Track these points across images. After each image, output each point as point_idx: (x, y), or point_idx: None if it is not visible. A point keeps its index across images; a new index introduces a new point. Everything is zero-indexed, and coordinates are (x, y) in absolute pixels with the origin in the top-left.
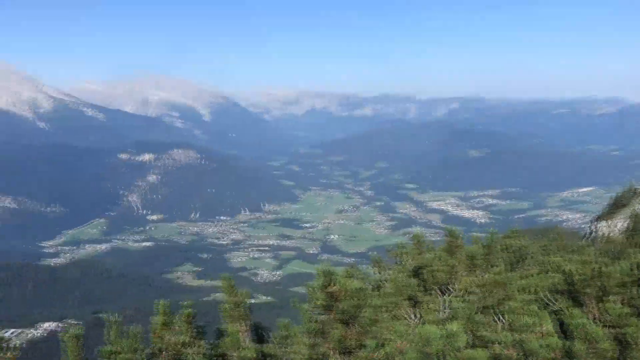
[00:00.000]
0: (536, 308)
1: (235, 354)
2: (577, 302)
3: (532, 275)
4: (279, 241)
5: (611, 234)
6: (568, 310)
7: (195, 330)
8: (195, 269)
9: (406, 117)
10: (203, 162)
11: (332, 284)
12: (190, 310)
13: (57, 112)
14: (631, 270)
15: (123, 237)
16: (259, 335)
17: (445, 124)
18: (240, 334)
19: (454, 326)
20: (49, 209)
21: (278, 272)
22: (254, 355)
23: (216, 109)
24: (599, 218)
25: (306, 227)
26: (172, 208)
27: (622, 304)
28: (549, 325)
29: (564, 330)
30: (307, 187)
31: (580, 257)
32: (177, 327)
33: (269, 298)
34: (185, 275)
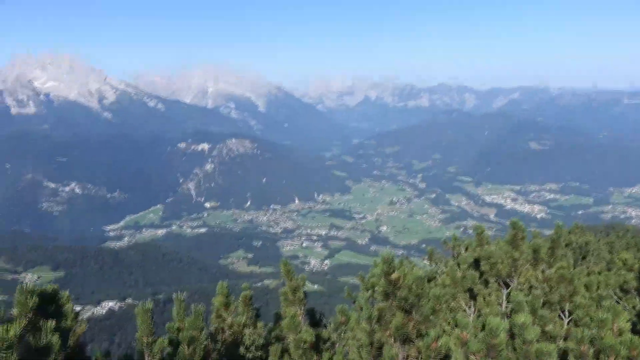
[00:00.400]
0: (611, 304)
1: (293, 337)
2: None
3: (597, 272)
4: (329, 231)
5: None
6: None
7: (253, 312)
8: (247, 255)
9: (464, 108)
10: (257, 152)
11: (394, 271)
12: (249, 292)
13: (120, 103)
14: None
15: (180, 223)
16: (314, 320)
17: (505, 115)
18: (299, 317)
19: (523, 318)
20: (111, 195)
21: (327, 262)
22: (312, 339)
23: (271, 99)
24: None
25: (357, 218)
26: (227, 196)
27: None
28: (623, 323)
29: (633, 330)
30: (359, 178)
31: None
32: (236, 309)
33: (317, 287)
34: (237, 262)
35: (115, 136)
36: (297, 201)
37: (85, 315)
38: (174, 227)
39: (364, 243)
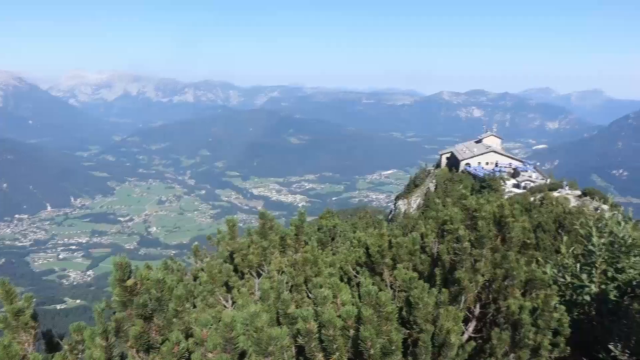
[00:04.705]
0: (337, 280)
1: None
2: (375, 272)
3: (340, 252)
4: (91, 238)
5: (409, 210)
6: (361, 279)
7: None
8: None
9: (229, 104)
10: None
11: (129, 277)
12: None
13: None
14: (420, 239)
15: None
16: (52, 344)
17: (268, 111)
18: (25, 344)
19: (254, 307)
20: None
21: (90, 272)
22: None
23: (10, 92)
24: (398, 197)
25: (122, 221)
26: None
27: (410, 270)
28: (345, 296)
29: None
30: (122, 178)
31: (377, 231)
32: None
33: (79, 301)
34: None
35: None
36: (49, 208)
37: None
38: None
39: (132, 247)
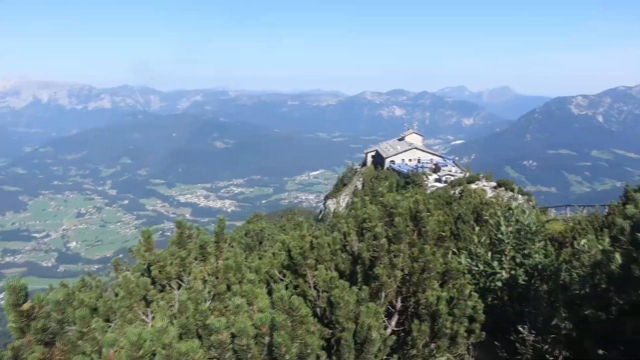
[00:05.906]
0: (252, 288)
1: None
2: (299, 274)
3: (267, 255)
4: (2, 257)
5: (338, 209)
6: (276, 286)
7: None
8: None
9: (149, 110)
10: None
11: (24, 301)
12: None
13: None
14: (343, 238)
15: None
16: None
17: (191, 116)
18: None
19: (160, 322)
20: None
21: (2, 296)
22: None
23: None
24: (327, 197)
25: (38, 237)
26: None
27: (332, 270)
28: (263, 303)
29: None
30: (36, 191)
31: (298, 232)
32: None
33: None
34: None
35: None
36: None
37: None
38: None
39: (50, 264)
